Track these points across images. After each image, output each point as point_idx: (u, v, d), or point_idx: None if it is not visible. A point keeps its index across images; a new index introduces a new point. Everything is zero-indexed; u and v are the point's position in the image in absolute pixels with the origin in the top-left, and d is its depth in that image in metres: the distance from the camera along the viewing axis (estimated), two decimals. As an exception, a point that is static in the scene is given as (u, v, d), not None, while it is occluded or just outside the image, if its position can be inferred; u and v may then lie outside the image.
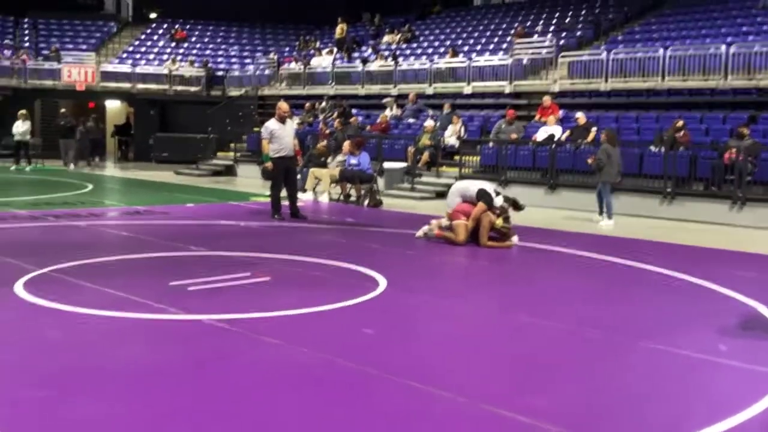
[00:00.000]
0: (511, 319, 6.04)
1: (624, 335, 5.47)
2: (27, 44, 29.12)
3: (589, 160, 12.94)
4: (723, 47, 15.90)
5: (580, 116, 15.75)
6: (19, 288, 6.23)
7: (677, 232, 11.57)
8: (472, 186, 9.56)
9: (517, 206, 9.59)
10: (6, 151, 22.89)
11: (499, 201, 9.27)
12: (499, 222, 9.26)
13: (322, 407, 3.90)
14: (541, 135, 15.97)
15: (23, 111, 21.83)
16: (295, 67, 25.64)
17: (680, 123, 14.05)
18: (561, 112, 17.01)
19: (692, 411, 4.02)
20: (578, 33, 20.82)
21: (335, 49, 26.20)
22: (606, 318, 6.03)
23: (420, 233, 9.77)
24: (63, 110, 24.89)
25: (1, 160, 22.78)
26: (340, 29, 27.63)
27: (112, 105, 29.83)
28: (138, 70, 27.46)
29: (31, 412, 3.72)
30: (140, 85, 27.06)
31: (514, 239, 9.45)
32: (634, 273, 8.10)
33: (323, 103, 22.47)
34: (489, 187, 9.51)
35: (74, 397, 3.93)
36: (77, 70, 26.85)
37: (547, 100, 17.12)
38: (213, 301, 6.08)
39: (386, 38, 26.07)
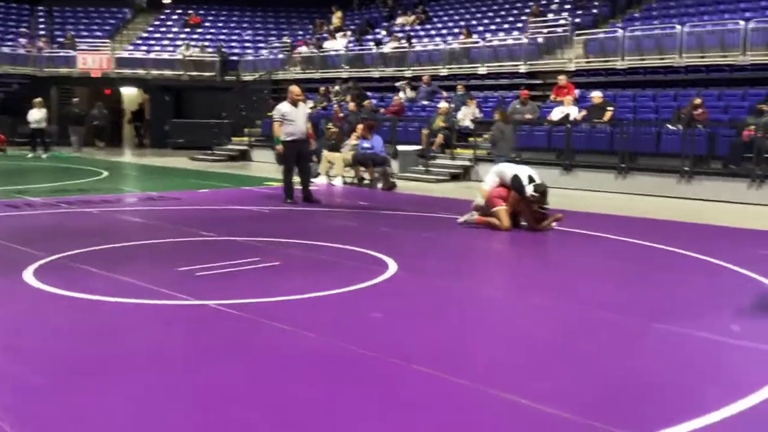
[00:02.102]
0: (524, 302, 5.95)
1: (639, 317, 5.36)
2: (42, 32, 29.23)
3: (486, 136, 13.80)
4: (742, 23, 15.59)
5: (596, 95, 15.52)
6: (28, 275, 6.23)
7: (695, 211, 11.39)
8: (509, 172, 9.24)
9: (541, 200, 9.10)
10: (22, 139, 23.04)
11: (530, 190, 9.03)
12: (534, 206, 9.05)
13: (329, 392, 3.85)
14: (556, 115, 15.77)
15: (38, 99, 21.92)
16: (308, 50, 25.52)
17: (698, 100, 13.80)
18: (577, 92, 16.78)
19: (705, 393, 3.92)
20: (594, 11, 20.50)
21: (348, 32, 26.04)
22: (622, 300, 5.93)
23: (462, 219, 9.54)
24: (76, 99, 25.16)
25: (18, 148, 22.94)
26: (336, 18, 27.38)
27: (129, 92, 29.93)
28: (152, 56, 27.50)
29: (36, 399, 3.70)
30: (155, 71, 27.09)
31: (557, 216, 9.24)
32: (651, 253, 7.97)
33: (337, 87, 22.35)
34: (524, 173, 9.18)
35: (79, 384, 3.91)
36: (92, 57, 26.94)
37: (562, 79, 16.89)
38: (221, 286, 6.04)
39: (400, 20, 25.85)
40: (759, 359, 4.53)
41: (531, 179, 9.07)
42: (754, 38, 15.28)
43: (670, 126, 13.83)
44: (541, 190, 9.00)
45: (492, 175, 9.50)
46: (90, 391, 3.80)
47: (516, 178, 9.07)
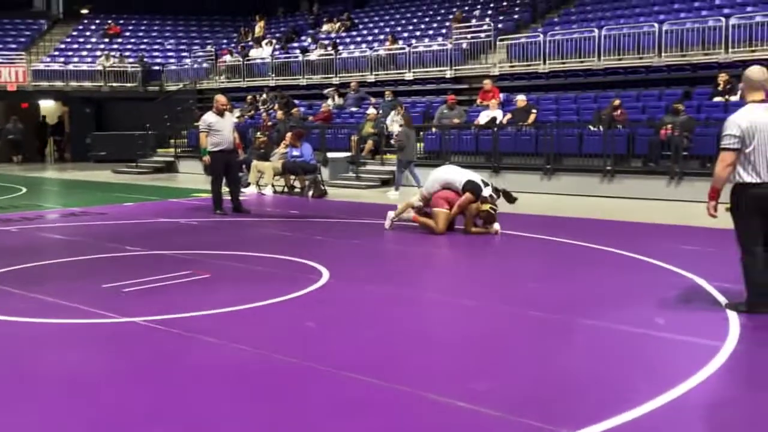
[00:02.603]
0: (453, 304, 6.00)
1: (565, 314, 5.47)
2: (-48, 45, 28.01)
3: (392, 141, 15.15)
4: (656, 25, 16.18)
5: (521, 99, 15.84)
6: (-59, 299, 5.93)
7: (617, 209, 11.72)
8: (458, 176, 9.16)
9: (509, 198, 9.26)
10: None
11: (487, 191, 9.01)
12: (485, 207, 8.98)
13: (261, 404, 3.78)
14: (482, 119, 16.01)
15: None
16: (232, 59, 25.22)
17: (617, 102, 14.25)
18: (502, 96, 17.08)
19: (633, 387, 4.02)
20: (516, 16, 20.93)
21: (273, 40, 25.85)
22: (548, 298, 6.03)
23: (388, 223, 9.49)
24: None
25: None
26: (259, 27, 27.11)
27: (47, 105, 28.95)
28: (71, 67, 26.68)
29: (-52, 430, 3.51)
30: (74, 83, 26.30)
31: (496, 226, 9.15)
32: (576, 251, 8.16)
33: (264, 95, 22.16)
34: (476, 177, 9.18)
35: (-3, 411, 3.73)
36: (7, 70, 25.94)
37: (487, 83, 17.17)
38: (149, 301, 5.88)
39: (325, 27, 25.83)
40: (682, 351, 4.67)
41: (485, 183, 9.13)
42: (668, 40, 15.89)
43: (591, 127, 14.21)
44: (503, 191, 9.16)
45: (435, 183, 9.29)
46: (1, 416, 3.63)
47: (471, 182, 9.03)
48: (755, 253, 5.23)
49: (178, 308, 5.60)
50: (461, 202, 9.01)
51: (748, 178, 5.18)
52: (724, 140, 5.23)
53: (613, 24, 17.49)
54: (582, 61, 17.11)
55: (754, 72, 5.33)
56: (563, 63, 17.43)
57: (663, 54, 15.91)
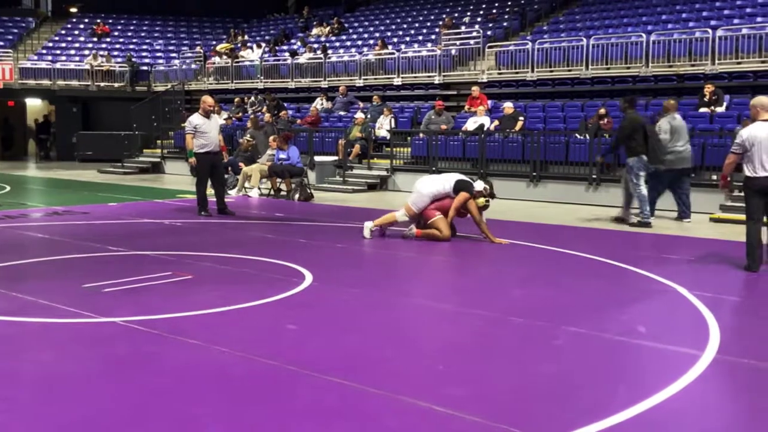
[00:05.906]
0: (435, 309, 5.99)
1: (547, 320, 5.46)
2: (-62, 41, 27.82)
3: (241, 141, 16.36)
4: (644, 35, 16.29)
5: (508, 106, 15.88)
6: None
7: (602, 217, 11.76)
8: (446, 183, 9.05)
9: (491, 194, 9.25)
10: None
11: (479, 185, 9.03)
12: (481, 201, 8.99)
13: (242, 407, 3.75)
14: (470, 125, 16.05)
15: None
16: (221, 61, 25.16)
17: (603, 110, 14.32)
18: (489, 102, 17.13)
19: (612, 394, 4.02)
20: (505, 24, 21.02)
21: (263, 44, 25.82)
22: (531, 304, 6.04)
23: (367, 233, 9.24)
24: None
25: None
26: (224, 47, 26.37)
27: (34, 103, 28.77)
28: (58, 66, 26.54)
29: None
30: (61, 82, 26.16)
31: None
32: (560, 259, 8.18)
33: (252, 98, 22.13)
34: (462, 176, 9.15)
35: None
36: (-6, 67, 25.78)
37: (475, 90, 17.21)
38: (129, 302, 5.83)
39: (315, 31, 25.84)
40: (663, 359, 4.68)
41: (472, 179, 9.15)
42: (656, 51, 15.99)
43: (578, 135, 14.27)
44: (490, 183, 9.22)
45: (423, 198, 9.06)
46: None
47: (461, 181, 9.01)
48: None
49: (159, 309, 5.56)
50: (456, 204, 8.95)
51: (748, 172, 7.23)
52: (732, 146, 7.45)
53: (601, 33, 17.59)
54: (570, 70, 17.19)
55: (764, 99, 7.36)
56: (551, 71, 17.51)
57: (650, 64, 16.01)
